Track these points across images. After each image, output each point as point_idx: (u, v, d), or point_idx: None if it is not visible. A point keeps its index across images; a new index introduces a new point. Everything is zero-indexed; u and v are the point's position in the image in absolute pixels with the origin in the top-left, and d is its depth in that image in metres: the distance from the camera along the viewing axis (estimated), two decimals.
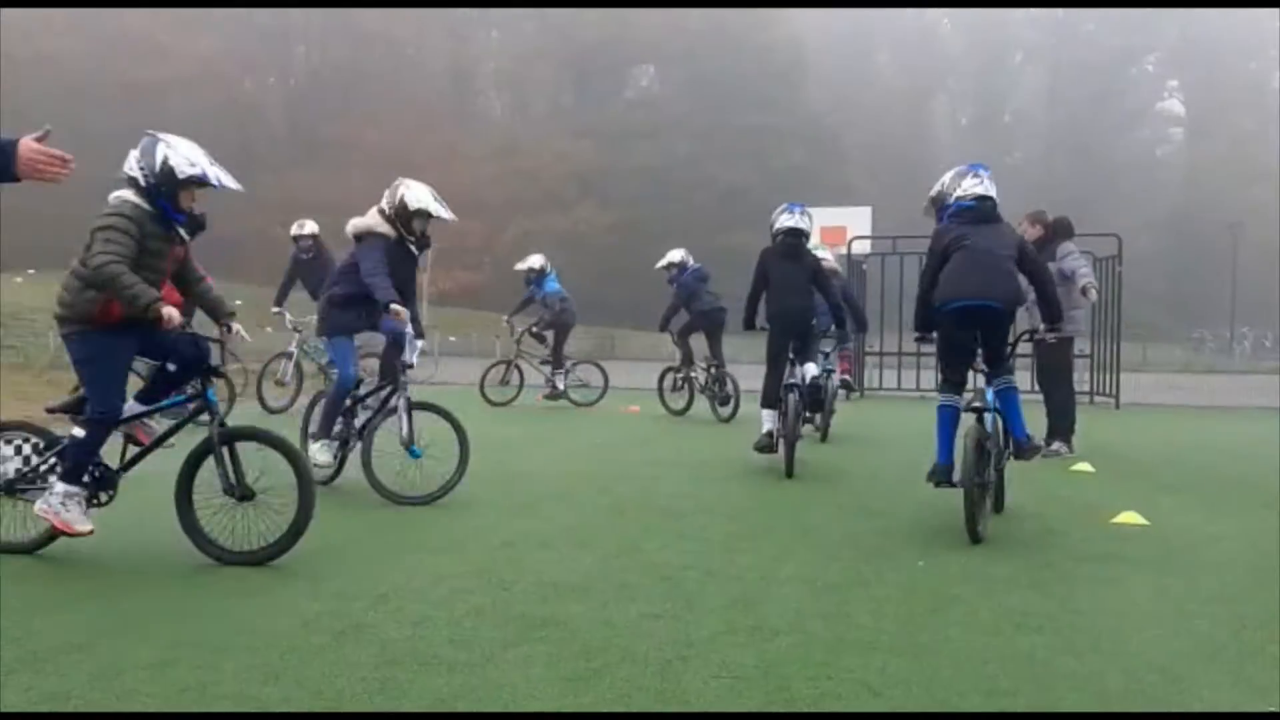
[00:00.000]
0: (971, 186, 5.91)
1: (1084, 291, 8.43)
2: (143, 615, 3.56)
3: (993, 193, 5.90)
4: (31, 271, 36.48)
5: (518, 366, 13.08)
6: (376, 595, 3.85)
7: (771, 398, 7.21)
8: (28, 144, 3.26)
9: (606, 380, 12.90)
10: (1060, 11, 71.64)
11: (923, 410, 12.24)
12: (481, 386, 12.85)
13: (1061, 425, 8.61)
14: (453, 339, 31.13)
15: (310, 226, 11.59)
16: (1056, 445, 8.50)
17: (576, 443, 9.28)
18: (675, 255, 11.83)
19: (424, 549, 4.69)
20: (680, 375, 11.92)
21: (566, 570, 4.29)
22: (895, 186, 62.82)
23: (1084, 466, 7.79)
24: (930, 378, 14.01)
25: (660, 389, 12.03)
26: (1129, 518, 5.59)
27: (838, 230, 17.05)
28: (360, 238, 6.26)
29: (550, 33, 67.88)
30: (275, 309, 11.71)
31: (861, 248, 17.05)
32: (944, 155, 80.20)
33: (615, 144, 64.14)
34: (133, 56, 56.78)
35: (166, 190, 4.37)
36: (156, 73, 57.01)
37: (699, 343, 11.80)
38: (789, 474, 6.97)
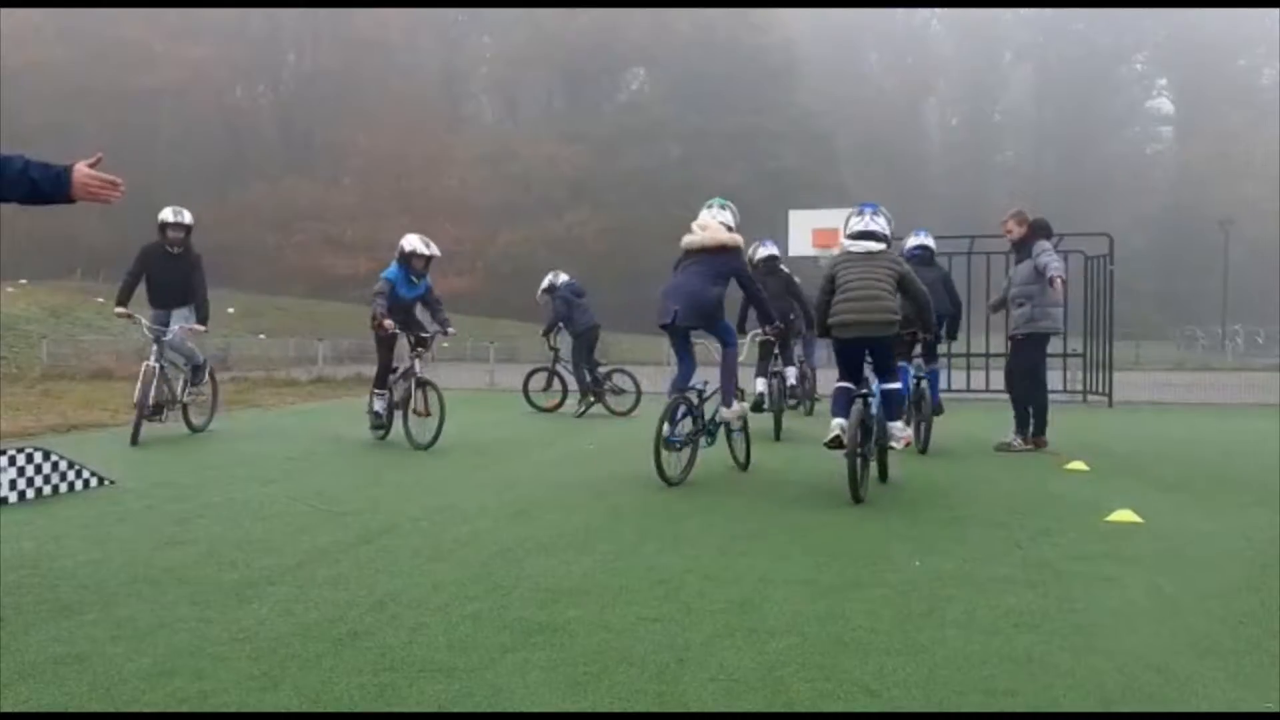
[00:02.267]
0: (855, 224, 6.74)
1: (1050, 282, 8.72)
2: (140, 625, 3.55)
3: (875, 228, 6.67)
4: (24, 281, 36.39)
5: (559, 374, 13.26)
6: (374, 602, 3.85)
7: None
8: (82, 168, 3.55)
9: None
10: (1049, 11, 71.82)
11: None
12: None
13: (1040, 422, 9.09)
14: (445, 344, 31.10)
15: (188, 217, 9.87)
16: (1013, 439, 9.03)
17: (571, 447, 9.29)
18: (547, 281, 13.19)
19: (421, 555, 4.69)
20: (549, 374, 13.01)
21: (564, 575, 4.30)
22: (887, 186, 62.91)
23: (1078, 465, 7.82)
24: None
25: (526, 388, 13.07)
26: (1124, 516, 5.61)
27: (830, 231, 17.05)
28: None
29: (541, 37, 67.84)
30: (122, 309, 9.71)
31: None
32: (935, 154, 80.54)
33: (607, 147, 64.14)
34: (124, 64, 56.63)
35: None
36: (148, 80, 56.89)
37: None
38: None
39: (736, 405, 7.31)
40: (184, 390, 9.75)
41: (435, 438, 8.73)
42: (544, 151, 63.43)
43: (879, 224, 6.74)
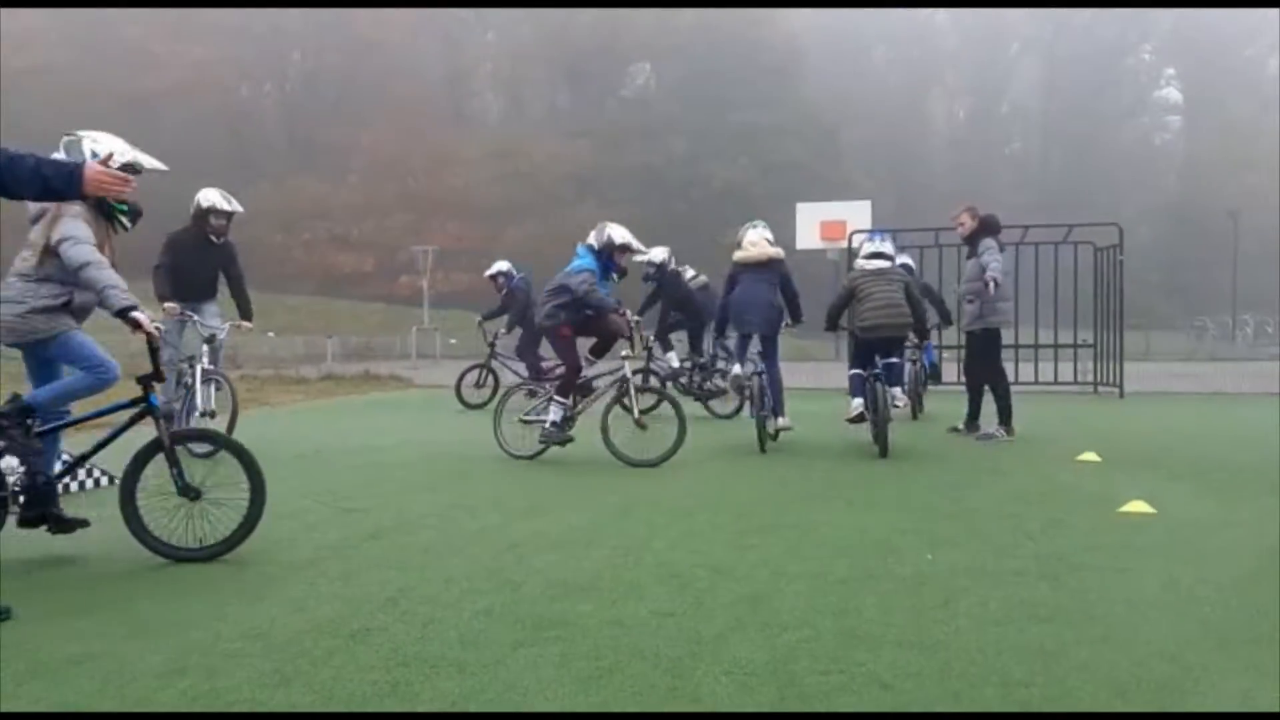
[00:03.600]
0: (868, 248, 8.63)
1: (986, 285, 8.94)
2: (152, 623, 3.55)
3: (885, 249, 8.56)
4: None
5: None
6: (385, 598, 3.84)
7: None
8: (94, 165, 3.65)
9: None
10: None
11: (928, 403, 12.24)
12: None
13: (1004, 410, 9.23)
14: (453, 341, 31.10)
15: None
16: (996, 430, 9.12)
17: (580, 443, 9.26)
18: (501, 265, 13.63)
19: (432, 551, 4.69)
20: (483, 369, 13.20)
21: (575, 570, 4.29)
22: (894, 180, 62.85)
23: (1090, 456, 7.79)
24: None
25: (459, 387, 13.11)
26: (1137, 507, 5.59)
27: (837, 224, 17.07)
28: None
29: (545, 34, 67.88)
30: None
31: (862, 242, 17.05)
32: (942, 148, 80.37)
33: (612, 144, 64.18)
34: (128, 66, 56.82)
35: None
36: (151, 82, 57.08)
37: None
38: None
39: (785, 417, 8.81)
40: (214, 397, 8.05)
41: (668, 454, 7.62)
42: (548, 148, 63.49)
43: (887, 247, 8.68)
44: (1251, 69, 73.27)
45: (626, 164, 63.49)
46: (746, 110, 64.20)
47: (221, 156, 59.10)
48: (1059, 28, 77.98)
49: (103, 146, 4.46)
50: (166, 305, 8.19)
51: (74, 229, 4.59)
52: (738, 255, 9.15)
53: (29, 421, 4.48)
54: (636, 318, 8.84)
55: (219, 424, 7.69)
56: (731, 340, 10.06)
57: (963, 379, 10.48)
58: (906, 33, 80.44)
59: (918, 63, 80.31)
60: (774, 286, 8.95)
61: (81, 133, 4.59)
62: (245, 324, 8.60)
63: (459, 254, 48.97)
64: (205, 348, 8.03)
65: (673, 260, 12.26)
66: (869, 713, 2.74)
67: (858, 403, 8.29)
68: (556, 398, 8.04)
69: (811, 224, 23.50)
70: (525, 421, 8.18)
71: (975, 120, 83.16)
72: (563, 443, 7.93)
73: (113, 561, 4.49)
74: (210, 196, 8.35)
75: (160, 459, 4.50)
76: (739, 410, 10.59)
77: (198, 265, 8.33)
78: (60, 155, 4.46)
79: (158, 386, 4.63)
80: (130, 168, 4.51)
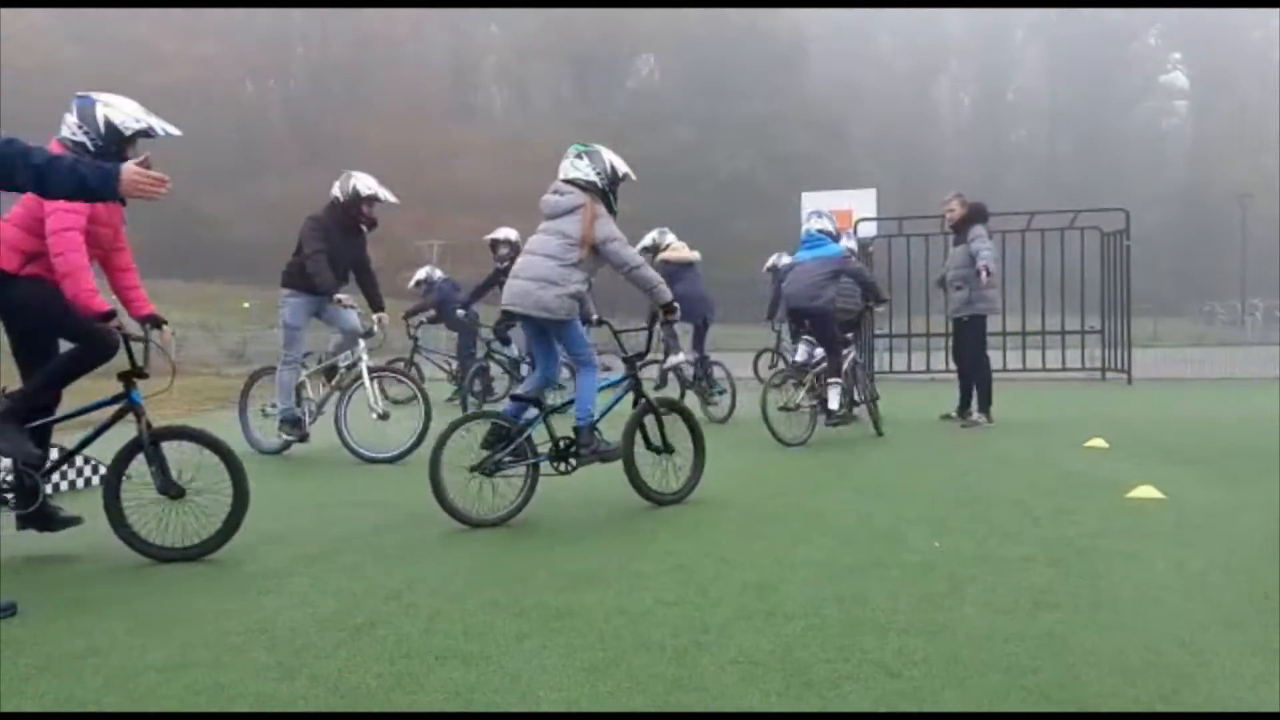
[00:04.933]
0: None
1: (977, 273, 8.94)
2: (157, 618, 3.55)
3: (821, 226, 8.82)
4: None
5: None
6: (390, 591, 3.84)
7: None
8: (130, 167, 3.67)
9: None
10: None
11: (934, 392, 12.23)
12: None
13: (984, 397, 9.34)
14: (487, 335, 31.04)
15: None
16: (977, 416, 9.28)
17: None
18: (421, 273, 14.08)
19: (437, 544, 4.68)
20: (407, 363, 13.06)
21: (580, 561, 4.28)
22: (900, 168, 62.64)
23: (1098, 442, 7.76)
24: (941, 359, 13.99)
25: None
26: (1145, 492, 5.56)
27: (843, 213, 16.99)
28: None
29: (550, 26, 67.77)
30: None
31: (868, 230, 16.98)
32: (948, 135, 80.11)
33: (617, 135, 63.86)
34: (134, 64, 56.80)
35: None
36: (157, 79, 56.99)
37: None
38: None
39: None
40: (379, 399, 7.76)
41: None
42: (554, 140, 63.33)
43: (825, 224, 8.96)
44: (1259, 52, 72.79)
45: (632, 155, 62.98)
46: (752, 100, 64.09)
47: (229, 152, 59.18)
48: (1064, 13, 77.59)
49: (115, 112, 4.43)
50: (339, 298, 7.69)
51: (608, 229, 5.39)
52: (671, 255, 10.26)
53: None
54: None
55: (396, 430, 7.56)
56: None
57: (952, 366, 10.38)
58: (911, 21, 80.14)
59: (923, 51, 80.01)
60: (701, 279, 10.44)
61: (95, 95, 4.50)
62: (382, 315, 8.11)
63: (466, 246, 48.95)
64: (362, 343, 7.75)
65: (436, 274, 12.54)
66: (874, 712, 2.73)
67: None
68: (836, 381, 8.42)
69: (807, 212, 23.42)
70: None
71: (981, 108, 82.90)
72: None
73: (115, 557, 4.48)
74: (370, 183, 7.78)
75: (140, 458, 4.44)
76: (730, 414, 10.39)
77: (341, 253, 7.74)
78: (71, 115, 4.44)
79: (139, 383, 4.58)
80: (145, 133, 4.49)
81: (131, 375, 4.53)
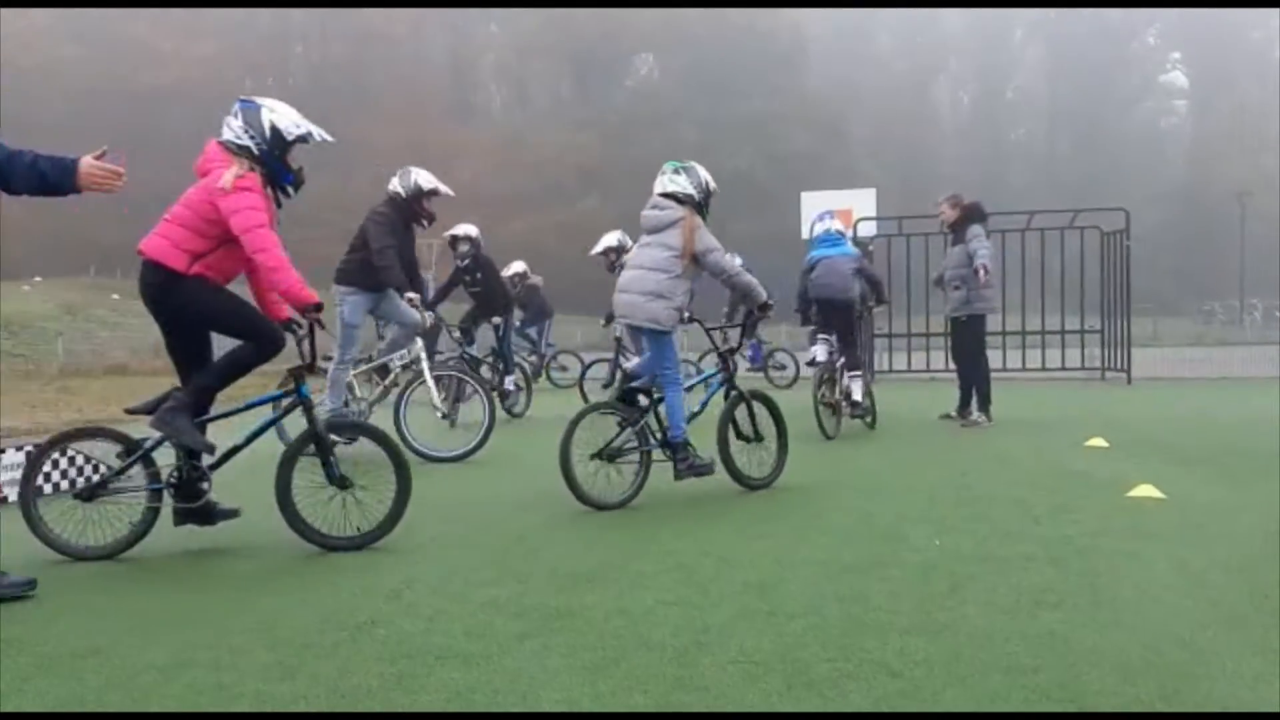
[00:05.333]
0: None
1: (976, 272, 8.98)
2: (157, 617, 3.55)
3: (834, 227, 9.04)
4: (38, 279, 36.58)
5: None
6: (391, 590, 3.84)
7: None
8: (87, 160, 3.79)
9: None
10: None
11: (934, 391, 12.23)
12: None
13: (983, 396, 9.38)
14: (456, 334, 31.07)
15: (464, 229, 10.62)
16: (977, 416, 9.31)
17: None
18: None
19: (437, 543, 4.68)
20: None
21: (581, 560, 4.28)
22: (899, 168, 62.63)
23: (1098, 442, 7.77)
24: (941, 358, 14.00)
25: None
26: (1145, 491, 5.56)
27: (843, 213, 16.99)
28: None
29: (549, 25, 67.75)
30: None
31: (867, 229, 16.99)
32: (947, 135, 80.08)
33: (617, 134, 64.13)
34: (133, 63, 56.86)
35: (280, 153, 4.62)
36: (157, 78, 57.12)
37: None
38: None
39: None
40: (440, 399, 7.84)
41: None
42: (554, 139, 63.42)
43: (836, 224, 9.34)
44: (1259, 51, 72.79)
45: (632, 154, 63.32)
46: (752, 99, 64.07)
47: None
48: (1063, 12, 77.56)
49: (280, 118, 4.62)
50: (409, 296, 7.61)
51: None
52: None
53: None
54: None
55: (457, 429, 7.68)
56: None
57: (951, 366, 10.47)
58: (910, 20, 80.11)
59: (922, 50, 80.00)
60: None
61: (259, 100, 4.70)
62: (429, 315, 8.25)
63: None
64: (419, 340, 7.74)
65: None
66: (875, 711, 2.72)
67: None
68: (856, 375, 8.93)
69: (817, 212, 23.43)
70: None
71: (981, 107, 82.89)
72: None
73: (116, 557, 4.49)
74: (431, 178, 7.68)
75: (312, 451, 4.60)
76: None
77: (406, 250, 7.70)
78: (236, 119, 4.62)
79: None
80: (303, 139, 4.67)
81: (301, 370, 4.72)
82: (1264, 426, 8.65)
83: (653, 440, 5.74)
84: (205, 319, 4.66)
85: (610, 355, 11.45)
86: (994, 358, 15.54)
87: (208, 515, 4.64)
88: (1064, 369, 15.65)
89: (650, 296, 5.68)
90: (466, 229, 10.80)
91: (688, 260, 5.69)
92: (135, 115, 54.66)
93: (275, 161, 4.59)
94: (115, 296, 36.55)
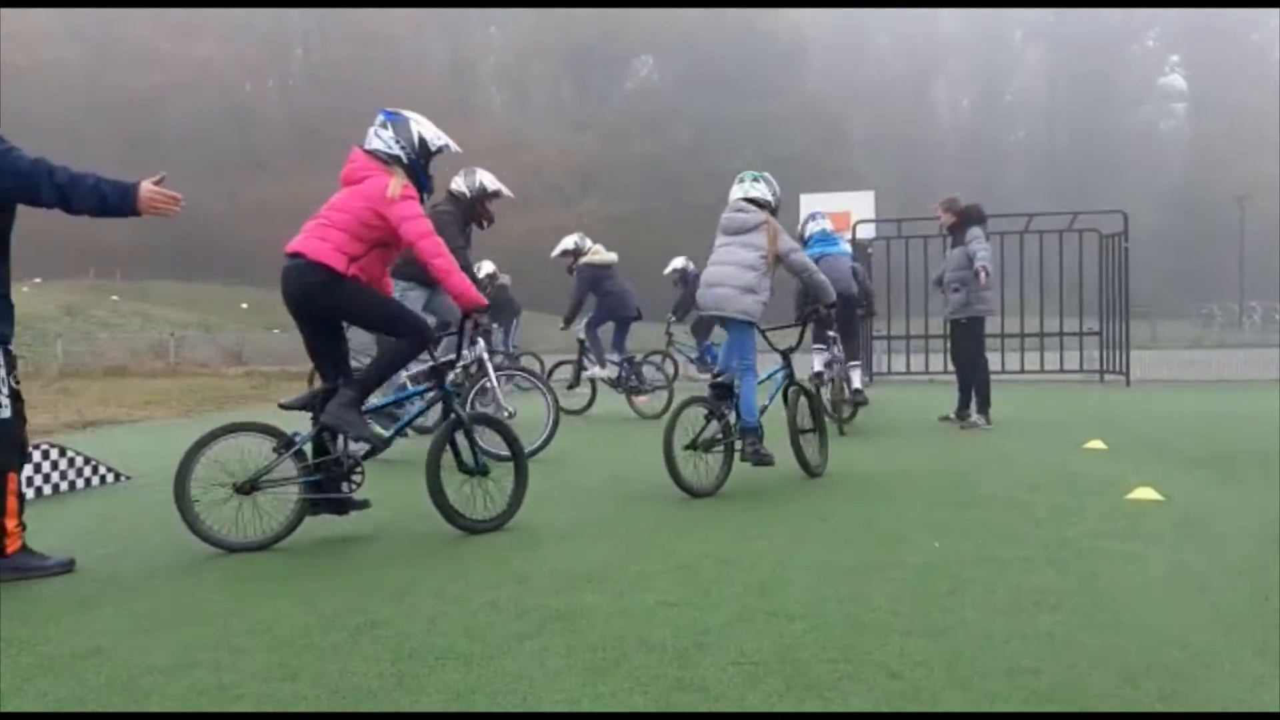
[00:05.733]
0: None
1: (976, 274, 8.96)
2: (159, 618, 3.56)
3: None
4: (38, 280, 36.54)
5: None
6: (392, 591, 3.84)
7: None
8: (147, 185, 4.00)
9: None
10: None
11: (933, 393, 12.24)
12: None
13: (982, 399, 9.37)
14: (453, 333, 31.05)
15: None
16: (976, 418, 9.30)
17: (587, 435, 9.27)
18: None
19: (438, 544, 4.69)
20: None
21: (582, 561, 4.28)
22: (898, 169, 62.68)
23: (1097, 444, 7.77)
24: (940, 360, 14.01)
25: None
26: (1145, 493, 5.57)
27: (841, 215, 16.99)
28: None
29: (548, 26, 67.77)
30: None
31: (866, 232, 17.00)
32: (946, 137, 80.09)
33: (617, 136, 64.15)
34: (132, 63, 56.84)
35: (424, 163, 4.96)
36: (155, 79, 57.11)
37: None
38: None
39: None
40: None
41: None
42: (553, 140, 63.44)
43: (826, 224, 9.65)
44: (1258, 53, 72.84)
45: (631, 156, 63.47)
46: (751, 101, 64.09)
47: (227, 152, 59.17)
48: (1062, 14, 77.60)
49: (426, 129, 4.94)
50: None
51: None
52: (594, 259, 10.84)
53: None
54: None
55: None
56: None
57: (950, 368, 10.52)
58: (909, 21, 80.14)
59: (921, 51, 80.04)
60: (622, 279, 10.99)
61: (404, 113, 4.97)
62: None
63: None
64: (480, 340, 7.62)
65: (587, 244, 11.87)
66: (875, 712, 2.73)
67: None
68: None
69: (809, 213, 23.41)
70: None
71: (980, 109, 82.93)
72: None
73: (117, 557, 4.50)
74: (493, 179, 7.76)
75: (460, 438, 4.96)
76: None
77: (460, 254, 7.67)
78: (386, 130, 4.89)
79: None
80: (443, 149, 4.99)
81: (444, 367, 5.10)
82: (1263, 429, 8.66)
83: (731, 434, 6.15)
84: (361, 316, 5.01)
85: (574, 357, 11.32)
86: (993, 360, 15.61)
87: (344, 505, 4.86)
88: (1063, 371, 15.67)
89: (742, 291, 6.14)
90: (568, 241, 11.18)
91: (772, 259, 6.22)
92: (135, 115, 54.64)
93: (420, 171, 4.91)
94: (114, 298, 36.59)
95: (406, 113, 4.98)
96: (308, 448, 4.79)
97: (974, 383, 9.44)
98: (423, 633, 3.34)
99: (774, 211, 6.40)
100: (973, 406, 9.39)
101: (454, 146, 5.01)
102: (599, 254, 10.95)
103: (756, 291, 6.17)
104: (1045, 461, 7.07)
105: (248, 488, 4.61)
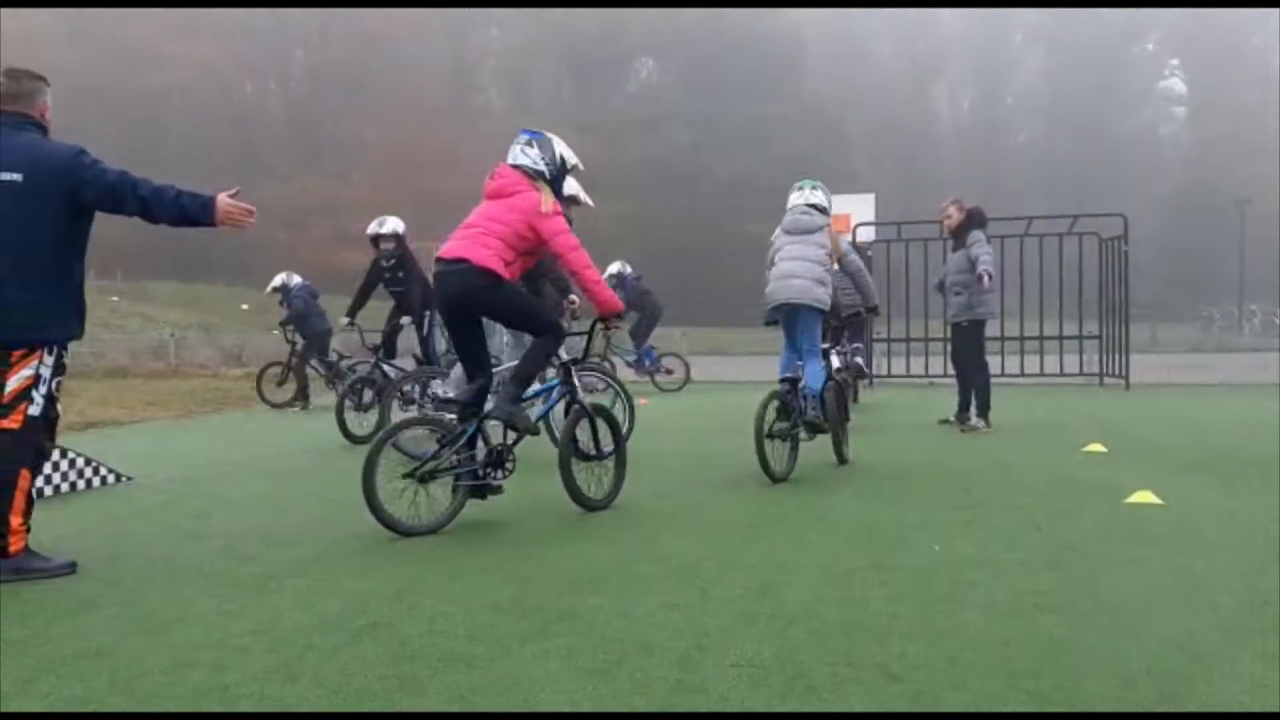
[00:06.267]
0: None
1: (979, 278, 8.91)
2: (161, 618, 3.56)
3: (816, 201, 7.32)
4: None
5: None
6: (393, 592, 3.85)
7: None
8: (224, 199, 4.22)
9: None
10: None
11: (933, 396, 12.24)
12: None
13: (982, 402, 9.36)
14: (371, 344, 30.98)
15: (391, 225, 9.83)
16: (976, 421, 9.30)
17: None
18: (277, 280, 13.97)
19: (440, 545, 4.69)
20: (285, 369, 13.71)
21: (583, 563, 4.29)
22: (899, 172, 62.70)
23: (1096, 447, 7.78)
24: (939, 363, 14.02)
25: (259, 381, 13.85)
26: (1144, 497, 5.57)
27: (842, 217, 16.98)
28: None
29: (548, 28, 67.77)
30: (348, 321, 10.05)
31: (866, 234, 16.99)
32: (947, 139, 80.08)
33: (617, 137, 64.04)
34: (133, 64, 56.83)
35: (562, 179, 5.50)
36: (157, 79, 57.08)
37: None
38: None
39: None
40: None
41: None
42: None
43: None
44: (1258, 57, 72.79)
45: (631, 157, 63.35)
46: (751, 102, 63.99)
47: (228, 154, 59.11)
48: (1063, 17, 77.55)
49: (563, 148, 5.44)
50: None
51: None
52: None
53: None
54: None
55: None
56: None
57: (950, 371, 10.53)
58: (910, 23, 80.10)
59: (921, 53, 80.00)
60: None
61: (544, 132, 5.45)
62: (345, 321, 9.28)
63: None
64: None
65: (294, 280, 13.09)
66: (876, 713, 2.74)
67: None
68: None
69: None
70: None
71: (980, 111, 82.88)
72: None
73: (119, 559, 4.51)
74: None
75: (584, 424, 5.57)
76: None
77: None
78: (532, 148, 5.35)
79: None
80: (575, 168, 5.52)
81: (571, 364, 5.63)
82: (1263, 432, 8.66)
83: (800, 424, 6.75)
84: (515, 315, 5.61)
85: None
86: (993, 363, 15.61)
87: (484, 490, 5.25)
88: (1062, 374, 15.67)
89: (815, 282, 6.79)
90: (394, 225, 9.91)
91: (835, 259, 7.00)
92: (135, 116, 54.64)
93: (559, 186, 5.41)
94: (115, 299, 36.53)
95: (546, 132, 5.43)
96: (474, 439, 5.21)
97: (974, 386, 9.44)
98: (424, 634, 3.34)
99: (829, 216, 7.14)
100: (973, 409, 9.39)
101: (581, 166, 5.57)
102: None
103: (825, 284, 6.83)
104: (1045, 465, 7.08)
105: (426, 477, 4.97)
